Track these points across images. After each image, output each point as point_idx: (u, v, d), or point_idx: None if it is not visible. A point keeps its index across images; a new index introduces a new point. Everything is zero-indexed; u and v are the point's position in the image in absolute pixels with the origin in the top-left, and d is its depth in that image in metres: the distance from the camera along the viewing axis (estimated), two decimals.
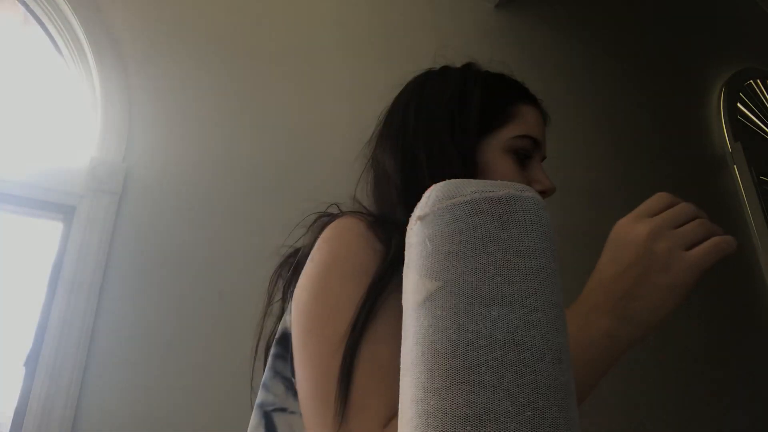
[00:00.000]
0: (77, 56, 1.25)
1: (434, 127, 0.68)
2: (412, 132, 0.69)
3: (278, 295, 0.64)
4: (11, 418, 1.03)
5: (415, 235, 0.34)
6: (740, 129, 2.47)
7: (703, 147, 2.41)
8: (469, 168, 0.67)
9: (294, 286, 0.56)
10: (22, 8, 1.21)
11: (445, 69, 0.77)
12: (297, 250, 0.65)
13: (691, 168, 2.30)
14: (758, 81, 2.65)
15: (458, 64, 0.78)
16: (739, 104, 2.52)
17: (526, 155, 0.70)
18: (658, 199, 0.51)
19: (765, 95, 2.66)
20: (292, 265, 0.63)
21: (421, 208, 0.34)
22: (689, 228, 0.47)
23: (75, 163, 1.19)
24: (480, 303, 0.29)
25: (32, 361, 1.06)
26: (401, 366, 0.33)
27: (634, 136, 2.15)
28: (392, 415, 0.43)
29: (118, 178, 1.20)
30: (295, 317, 0.52)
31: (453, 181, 0.34)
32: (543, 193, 0.68)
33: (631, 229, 0.48)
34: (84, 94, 1.24)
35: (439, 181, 0.54)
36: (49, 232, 1.17)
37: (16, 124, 1.19)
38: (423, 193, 0.35)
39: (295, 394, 0.53)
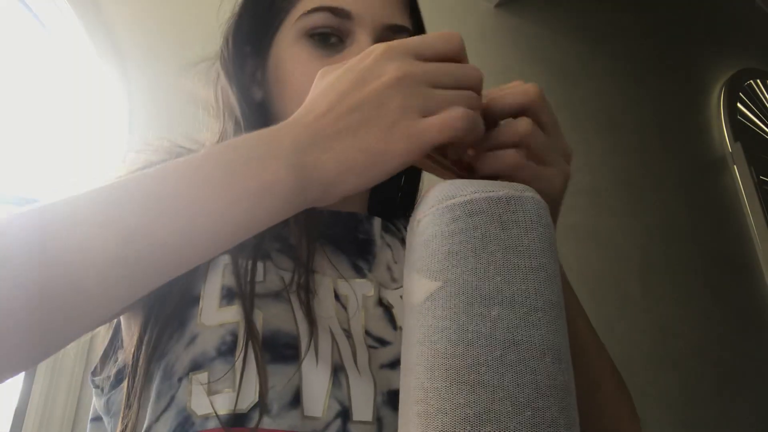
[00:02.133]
0: (77, 56, 1.25)
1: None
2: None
3: None
4: (11, 418, 1.03)
5: (415, 235, 0.34)
6: (740, 129, 2.47)
7: (703, 147, 2.41)
8: (255, 91, 0.55)
9: None
10: (21, 7, 1.21)
11: None
12: None
13: (691, 168, 2.30)
14: (758, 81, 2.65)
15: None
16: (739, 104, 2.52)
17: (335, 37, 0.51)
18: (443, 40, 0.35)
19: (765, 95, 2.66)
20: None
21: (421, 209, 0.34)
22: (447, 94, 0.33)
23: (74, 163, 1.19)
24: (480, 303, 0.29)
25: None
26: (401, 366, 0.33)
27: (634, 136, 2.15)
28: None
29: (118, 178, 1.20)
30: None
31: (453, 181, 0.34)
32: None
33: (380, 62, 0.33)
34: (83, 94, 1.25)
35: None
36: None
37: (15, 124, 1.19)
38: None
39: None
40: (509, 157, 0.37)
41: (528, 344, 0.29)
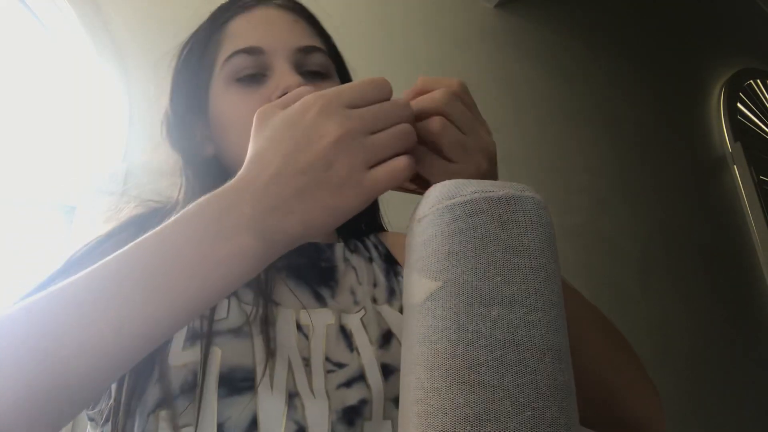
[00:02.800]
0: (77, 56, 1.25)
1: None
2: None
3: None
4: None
5: (415, 235, 0.34)
6: (740, 129, 2.47)
7: (703, 147, 2.41)
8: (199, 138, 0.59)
9: None
10: (20, 6, 1.21)
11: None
12: None
13: (691, 168, 2.30)
14: (758, 81, 2.65)
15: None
16: (739, 104, 2.52)
17: (257, 74, 0.56)
18: (373, 87, 0.37)
19: (765, 95, 2.66)
20: None
21: (421, 209, 0.34)
22: (384, 138, 0.35)
23: (74, 162, 1.19)
24: (480, 303, 0.29)
25: None
26: (401, 366, 0.33)
27: (634, 136, 2.15)
28: None
29: (118, 178, 1.20)
30: None
31: (453, 181, 0.34)
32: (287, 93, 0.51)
33: (320, 121, 0.35)
34: (83, 94, 1.24)
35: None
36: (49, 231, 1.17)
37: (15, 124, 1.19)
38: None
39: None
40: (416, 153, 0.39)
41: (528, 344, 0.29)
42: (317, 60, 0.58)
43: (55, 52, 1.26)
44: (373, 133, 0.36)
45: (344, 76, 0.66)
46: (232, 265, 0.34)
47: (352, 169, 0.34)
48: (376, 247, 0.63)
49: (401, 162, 0.36)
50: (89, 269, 0.34)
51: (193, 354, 0.45)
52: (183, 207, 0.51)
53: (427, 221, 0.33)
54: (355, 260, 0.59)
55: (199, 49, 0.60)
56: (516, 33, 1.98)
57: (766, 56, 2.73)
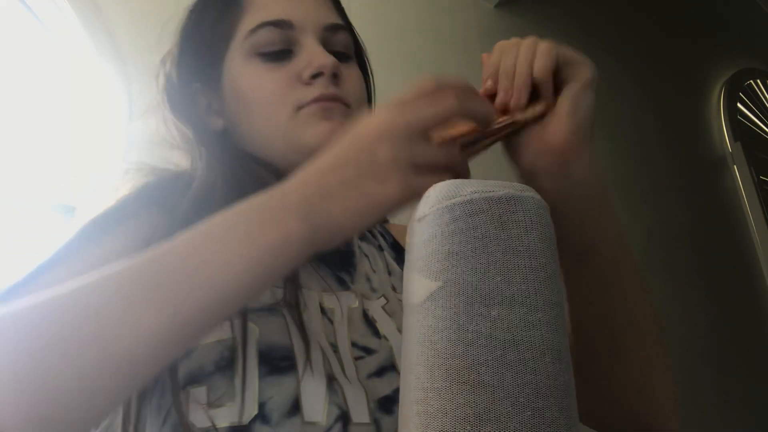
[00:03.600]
0: (77, 56, 1.25)
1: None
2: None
3: None
4: None
5: (415, 235, 0.34)
6: (740, 129, 2.47)
7: (703, 147, 2.41)
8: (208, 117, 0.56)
9: None
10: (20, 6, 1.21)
11: None
12: None
13: (691, 168, 2.30)
14: (758, 81, 2.65)
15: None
16: (739, 104, 2.52)
17: (283, 49, 0.53)
18: (420, 86, 0.37)
19: (765, 95, 2.66)
20: None
21: (421, 209, 0.34)
22: (430, 148, 0.37)
23: (74, 162, 1.19)
24: (480, 303, 0.29)
25: None
26: (402, 366, 0.33)
27: (634, 136, 2.15)
28: None
29: (118, 178, 1.20)
30: None
31: (453, 181, 0.34)
32: (319, 75, 0.51)
33: (367, 120, 0.37)
34: (83, 94, 1.24)
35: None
36: (49, 232, 1.17)
37: (15, 124, 1.19)
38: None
39: None
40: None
41: (528, 344, 0.29)
42: (342, 39, 0.56)
43: (55, 52, 1.26)
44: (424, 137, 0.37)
45: (360, 57, 0.63)
46: (279, 249, 0.34)
47: (396, 162, 0.35)
48: (383, 236, 0.62)
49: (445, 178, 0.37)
50: (134, 260, 0.34)
51: (226, 330, 0.43)
52: (203, 179, 0.50)
53: (427, 221, 0.33)
54: (366, 247, 0.58)
55: (216, 13, 0.56)
56: (516, 33, 1.97)
57: (766, 56, 2.73)
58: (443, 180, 0.35)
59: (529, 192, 0.33)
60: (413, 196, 0.35)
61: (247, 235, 0.34)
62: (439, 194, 0.33)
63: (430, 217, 0.33)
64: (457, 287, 0.30)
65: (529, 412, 0.28)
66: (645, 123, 2.22)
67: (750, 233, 2.33)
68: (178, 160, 0.57)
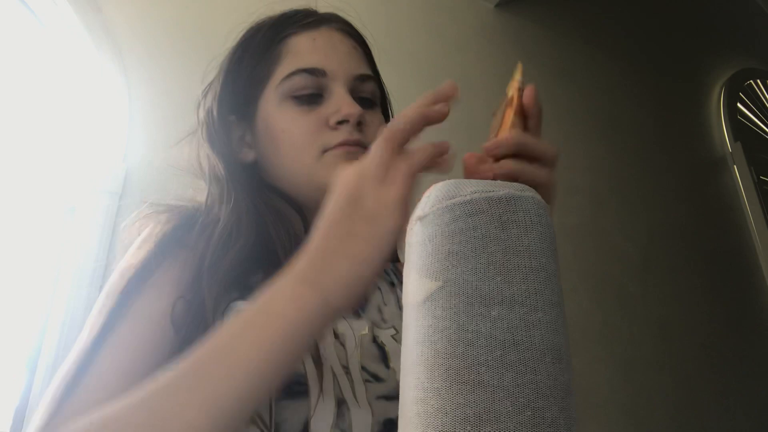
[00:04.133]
0: (77, 55, 1.25)
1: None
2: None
3: None
4: (11, 418, 1.03)
5: (415, 235, 0.34)
6: (740, 129, 2.47)
7: (703, 147, 2.41)
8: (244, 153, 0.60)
9: None
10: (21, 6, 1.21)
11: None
12: None
13: (691, 168, 2.30)
14: (758, 81, 2.65)
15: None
16: (739, 104, 2.52)
17: (314, 94, 0.57)
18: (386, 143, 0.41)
19: (765, 95, 2.66)
20: None
21: (421, 209, 0.34)
22: (401, 166, 0.39)
23: (75, 163, 1.19)
24: (480, 303, 0.29)
25: (32, 361, 1.06)
26: (401, 366, 0.33)
27: (634, 136, 2.15)
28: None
29: (118, 178, 1.20)
30: None
31: (453, 181, 0.34)
32: (345, 122, 0.55)
33: (341, 179, 0.40)
34: (83, 93, 1.24)
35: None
36: (49, 232, 1.17)
37: (16, 124, 1.19)
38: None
39: None
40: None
41: (528, 344, 0.29)
42: (369, 88, 0.61)
43: (55, 52, 1.26)
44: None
45: (384, 104, 0.68)
46: (298, 324, 0.37)
47: (378, 196, 0.38)
48: (395, 274, 0.66)
49: (420, 153, 0.39)
50: (180, 365, 0.37)
51: None
52: (222, 211, 0.54)
53: (428, 221, 0.33)
54: (378, 282, 0.62)
55: (256, 56, 0.60)
56: (516, 33, 1.98)
57: (766, 56, 2.72)
58: (410, 167, 0.38)
59: (529, 192, 0.32)
60: (402, 207, 0.37)
61: (267, 320, 0.37)
62: (439, 194, 0.33)
63: (430, 217, 0.33)
64: (457, 287, 0.30)
65: (529, 412, 0.28)
66: (645, 123, 2.22)
67: (750, 233, 2.33)
68: (196, 188, 0.61)
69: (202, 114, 0.62)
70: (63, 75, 1.26)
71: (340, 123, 0.56)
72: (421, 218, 0.33)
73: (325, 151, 0.55)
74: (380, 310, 0.58)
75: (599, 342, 1.65)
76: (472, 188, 0.32)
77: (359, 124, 0.57)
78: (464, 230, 0.31)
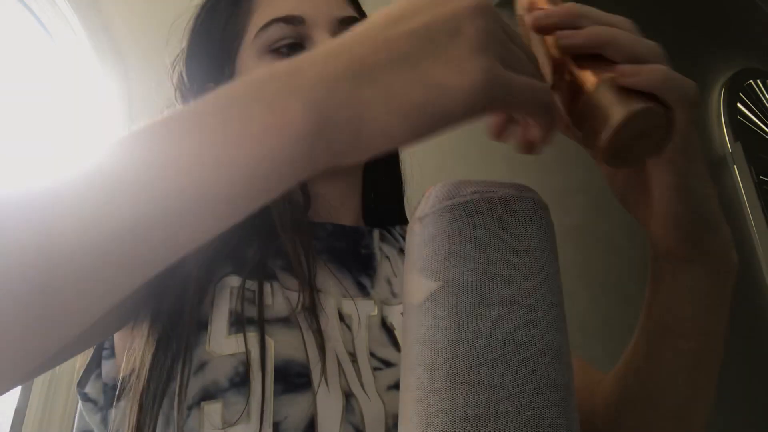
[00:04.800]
0: (77, 57, 1.25)
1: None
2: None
3: None
4: (11, 418, 1.03)
5: (416, 235, 0.34)
6: (740, 129, 2.47)
7: (703, 147, 2.41)
8: None
9: None
10: (20, 6, 1.21)
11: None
12: None
13: None
14: (758, 81, 2.65)
15: None
16: (739, 104, 2.52)
17: (294, 44, 0.51)
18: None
19: (765, 95, 2.66)
20: None
21: (421, 209, 0.34)
22: (529, 68, 0.28)
23: (74, 164, 1.19)
24: (480, 303, 0.29)
25: None
26: (401, 366, 0.33)
27: None
28: None
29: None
30: None
31: (453, 181, 0.34)
32: None
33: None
34: (83, 94, 1.24)
35: None
36: None
37: (15, 125, 1.19)
38: None
39: None
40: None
41: (528, 344, 0.29)
42: None
43: (55, 52, 1.26)
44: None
45: None
46: (266, 146, 0.23)
47: (489, 39, 0.24)
48: (404, 238, 0.60)
49: (546, 90, 0.28)
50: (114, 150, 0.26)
51: (241, 342, 0.40)
52: None
53: (427, 221, 0.33)
54: (387, 249, 0.56)
55: (226, 12, 0.55)
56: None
57: (766, 56, 2.73)
58: (536, 88, 0.27)
59: (529, 192, 0.33)
60: (493, 100, 0.24)
61: (225, 123, 0.24)
62: (439, 194, 0.33)
63: (430, 217, 0.33)
64: (457, 287, 0.30)
65: (529, 412, 0.28)
66: None
67: (750, 233, 2.33)
68: None
69: (174, 79, 0.57)
70: (62, 76, 1.26)
71: None
72: (421, 218, 0.33)
73: None
74: (389, 282, 0.52)
75: (599, 342, 1.65)
76: (472, 188, 0.32)
77: None
78: (464, 230, 0.31)
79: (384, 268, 0.54)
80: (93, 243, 0.23)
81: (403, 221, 0.62)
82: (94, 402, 0.46)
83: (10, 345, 0.22)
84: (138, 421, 0.40)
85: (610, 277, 1.81)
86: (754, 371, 2.05)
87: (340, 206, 0.55)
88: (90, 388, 0.46)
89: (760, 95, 2.65)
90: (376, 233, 0.55)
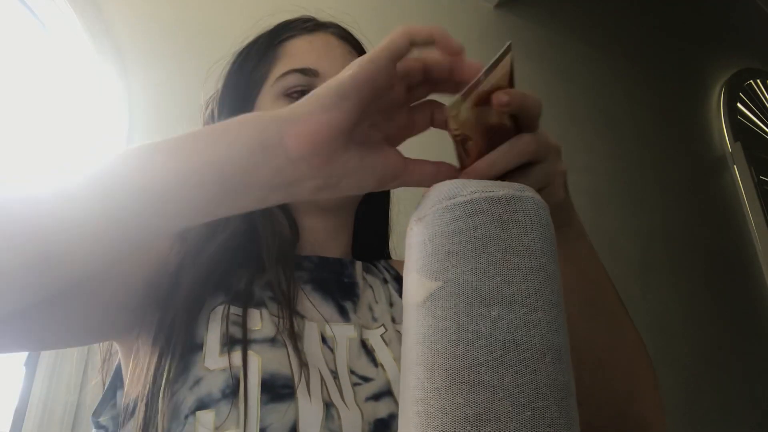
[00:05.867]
0: (77, 56, 1.25)
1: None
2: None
3: None
4: (11, 418, 1.03)
5: (416, 235, 0.34)
6: (740, 129, 2.47)
7: (703, 147, 2.41)
8: None
9: None
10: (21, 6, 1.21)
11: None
12: None
13: (691, 168, 2.30)
14: (758, 81, 2.65)
15: None
16: (739, 104, 2.52)
17: (306, 92, 0.57)
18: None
19: (765, 95, 2.66)
20: None
21: (421, 209, 0.34)
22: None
23: (74, 163, 1.19)
24: (480, 303, 0.29)
25: (32, 361, 1.06)
26: (401, 366, 0.33)
27: (634, 136, 2.15)
28: None
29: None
30: None
31: (453, 181, 0.34)
32: None
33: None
34: (83, 94, 1.24)
35: None
36: None
37: (15, 125, 1.19)
38: None
39: None
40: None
41: (528, 344, 0.29)
42: None
43: (55, 52, 1.26)
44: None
45: None
46: (232, 146, 0.33)
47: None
48: (387, 270, 0.66)
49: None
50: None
51: (232, 359, 0.46)
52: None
53: (427, 221, 0.33)
54: (370, 279, 0.62)
55: (255, 60, 0.62)
56: (516, 33, 1.98)
57: (766, 56, 2.72)
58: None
59: (529, 192, 0.33)
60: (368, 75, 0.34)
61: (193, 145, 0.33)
62: (439, 194, 0.33)
63: (430, 217, 0.33)
64: (457, 287, 0.30)
65: (529, 412, 0.28)
66: (645, 123, 2.22)
67: (750, 233, 2.33)
68: None
69: (206, 116, 0.64)
70: (62, 75, 1.26)
71: None
72: (421, 218, 0.33)
73: None
74: (371, 308, 0.58)
75: None
76: (472, 188, 0.32)
77: None
78: (464, 230, 0.31)
79: (367, 296, 0.59)
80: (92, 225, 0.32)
81: (387, 256, 0.70)
82: (105, 429, 0.51)
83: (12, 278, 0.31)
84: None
85: (610, 277, 1.80)
86: (754, 371, 2.05)
87: (330, 240, 0.61)
88: (105, 417, 0.52)
89: (760, 95, 2.65)
90: (358, 264, 0.61)
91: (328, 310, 0.55)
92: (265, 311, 0.51)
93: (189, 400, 0.44)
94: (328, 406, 0.46)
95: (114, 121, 1.23)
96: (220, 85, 0.64)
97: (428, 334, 0.30)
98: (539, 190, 0.37)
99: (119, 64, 1.26)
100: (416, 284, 0.32)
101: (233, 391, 0.44)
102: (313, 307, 0.54)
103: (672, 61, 2.42)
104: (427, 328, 0.30)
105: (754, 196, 2.34)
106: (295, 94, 0.58)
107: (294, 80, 0.58)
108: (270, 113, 0.34)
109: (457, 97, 0.37)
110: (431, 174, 0.38)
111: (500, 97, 0.37)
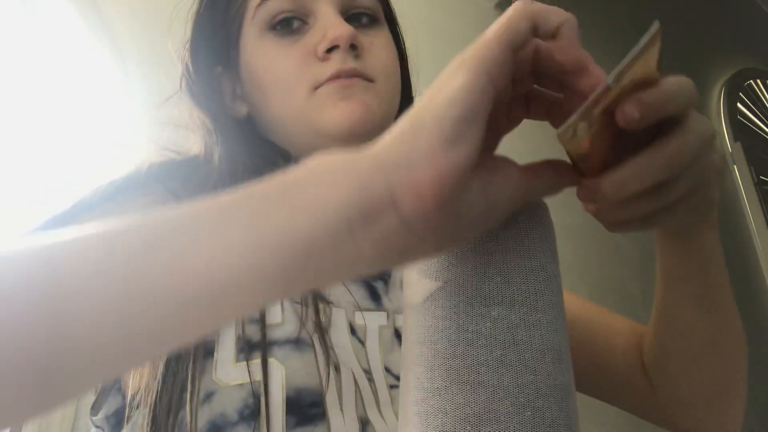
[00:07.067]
0: (77, 56, 1.25)
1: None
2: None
3: None
4: None
5: None
6: (740, 129, 2.47)
7: None
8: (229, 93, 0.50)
9: None
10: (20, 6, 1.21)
11: None
12: None
13: None
14: (758, 81, 2.65)
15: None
16: (739, 104, 2.52)
17: (295, 19, 0.47)
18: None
19: (765, 95, 2.66)
20: None
21: None
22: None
23: (74, 161, 1.19)
24: (480, 303, 0.29)
25: None
26: (402, 366, 0.33)
27: None
28: None
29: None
30: None
31: None
32: (335, 48, 0.45)
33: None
34: (83, 93, 1.24)
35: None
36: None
37: (15, 124, 1.19)
38: None
39: None
40: None
41: (528, 344, 0.29)
42: (365, 2, 0.50)
43: (54, 51, 1.26)
44: None
45: (392, 20, 0.57)
46: (319, 223, 0.21)
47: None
48: None
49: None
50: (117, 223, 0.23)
51: (251, 372, 0.38)
52: (220, 172, 0.45)
53: None
54: None
55: None
56: None
57: (766, 56, 2.72)
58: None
59: None
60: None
61: (261, 211, 0.22)
62: None
63: None
64: (457, 287, 0.30)
65: (529, 412, 0.28)
66: None
67: (750, 233, 2.33)
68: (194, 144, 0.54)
69: (181, 67, 0.54)
70: (62, 74, 1.26)
71: (329, 50, 0.45)
72: None
73: (316, 87, 0.46)
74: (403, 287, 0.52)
75: None
76: None
77: (354, 48, 0.46)
78: None
79: (398, 272, 0.52)
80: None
81: None
82: (102, 429, 0.45)
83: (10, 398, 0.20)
84: None
85: (610, 277, 1.80)
86: (754, 371, 2.05)
87: None
88: (101, 416, 0.45)
89: (760, 95, 2.65)
90: None
91: (358, 293, 0.46)
92: (286, 300, 0.43)
93: (201, 420, 0.36)
94: (365, 424, 0.39)
95: (114, 120, 1.23)
96: (189, 33, 0.54)
97: (428, 334, 0.30)
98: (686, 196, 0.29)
99: (119, 63, 1.26)
100: (416, 284, 0.32)
101: (252, 412, 0.36)
102: (343, 289, 0.45)
103: (672, 62, 2.42)
104: (427, 328, 0.30)
105: (754, 196, 2.34)
106: (283, 25, 0.47)
107: (277, 5, 0.46)
108: (356, 156, 0.24)
109: (572, 119, 0.27)
110: (554, 184, 0.30)
111: (629, 112, 0.26)
